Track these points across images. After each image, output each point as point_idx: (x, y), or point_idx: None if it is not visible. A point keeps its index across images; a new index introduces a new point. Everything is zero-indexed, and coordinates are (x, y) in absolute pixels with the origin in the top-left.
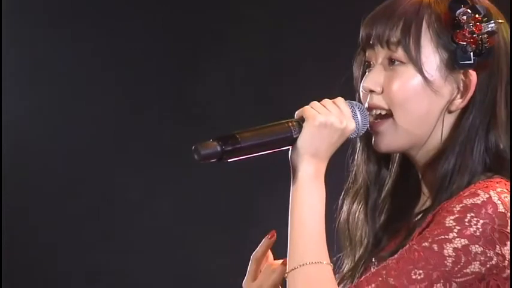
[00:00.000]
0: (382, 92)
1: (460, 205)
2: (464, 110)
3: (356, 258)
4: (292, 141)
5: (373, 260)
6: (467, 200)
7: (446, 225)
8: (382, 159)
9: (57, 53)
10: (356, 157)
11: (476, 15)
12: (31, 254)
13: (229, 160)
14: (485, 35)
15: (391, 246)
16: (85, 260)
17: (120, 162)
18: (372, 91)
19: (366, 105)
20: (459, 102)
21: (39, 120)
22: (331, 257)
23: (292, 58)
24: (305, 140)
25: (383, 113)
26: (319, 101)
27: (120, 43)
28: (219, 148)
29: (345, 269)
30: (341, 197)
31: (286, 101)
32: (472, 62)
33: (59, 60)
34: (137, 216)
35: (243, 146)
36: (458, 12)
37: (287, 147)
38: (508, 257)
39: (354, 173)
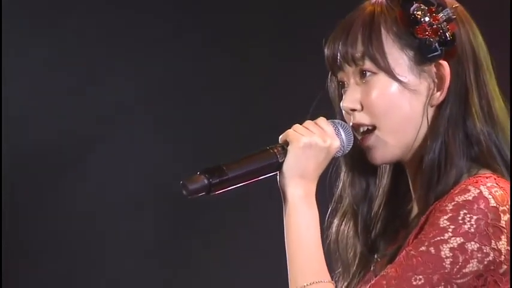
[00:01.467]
0: (362, 108)
1: (452, 203)
2: (442, 101)
3: (351, 275)
4: (279, 166)
5: (372, 268)
6: (459, 197)
7: (441, 225)
8: (369, 174)
9: (57, 53)
10: (341, 178)
11: (430, 7)
12: (31, 255)
13: (216, 193)
14: (445, 23)
15: (388, 251)
16: (85, 261)
17: (121, 162)
18: (352, 110)
19: (351, 123)
20: (439, 95)
21: (40, 121)
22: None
23: None
24: (291, 163)
25: (370, 128)
26: (301, 124)
27: (124, 42)
28: (206, 181)
29: None
30: (327, 218)
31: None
32: (439, 52)
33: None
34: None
35: (230, 177)
36: (412, 9)
37: (274, 173)
38: (504, 251)
39: (339, 193)
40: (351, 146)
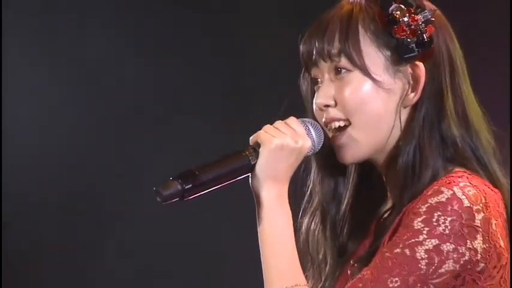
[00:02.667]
0: (336, 104)
1: (426, 205)
2: (416, 103)
3: (323, 277)
4: (251, 168)
5: (349, 272)
6: (432, 199)
7: (415, 227)
8: (338, 174)
9: (57, 53)
10: (310, 177)
11: (409, 8)
12: (31, 256)
13: (190, 197)
14: (422, 25)
15: (360, 251)
16: (85, 261)
17: (121, 162)
18: (326, 106)
19: (323, 120)
20: (412, 96)
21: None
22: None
23: None
24: (263, 164)
25: (342, 124)
26: (271, 124)
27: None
28: (179, 187)
29: None
30: (299, 218)
31: None
32: (416, 53)
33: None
34: (136, 215)
35: (203, 181)
36: (391, 9)
37: (247, 175)
38: (480, 250)
39: (309, 192)
40: (321, 145)
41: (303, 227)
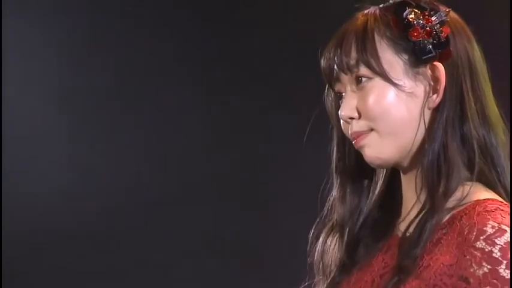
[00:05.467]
0: (360, 115)
1: (497, 247)
2: (438, 104)
3: (328, 282)
4: None
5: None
6: (499, 239)
7: (506, 277)
8: (362, 189)
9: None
10: (332, 193)
11: (424, 11)
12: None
13: None
14: (438, 25)
15: (378, 262)
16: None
17: (122, 161)
18: (351, 118)
19: (349, 132)
20: (435, 97)
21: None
22: None
23: None
24: None
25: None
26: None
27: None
28: None
29: None
30: (312, 230)
31: None
32: (434, 54)
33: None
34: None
35: None
36: (405, 13)
37: None
38: None
39: (329, 208)
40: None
41: (321, 240)
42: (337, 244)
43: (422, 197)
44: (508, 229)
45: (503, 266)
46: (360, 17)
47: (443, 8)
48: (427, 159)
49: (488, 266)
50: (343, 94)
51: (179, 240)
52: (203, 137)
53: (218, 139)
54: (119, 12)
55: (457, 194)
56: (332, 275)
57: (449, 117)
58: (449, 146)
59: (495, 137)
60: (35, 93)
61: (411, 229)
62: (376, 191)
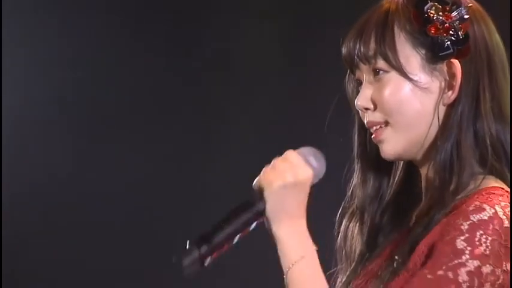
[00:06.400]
0: (375, 107)
1: (468, 222)
2: (453, 101)
3: (348, 271)
4: (262, 213)
5: (366, 264)
6: (474, 215)
7: (458, 247)
8: (383, 175)
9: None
10: (353, 178)
11: (445, 6)
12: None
13: (209, 259)
14: (457, 22)
15: (386, 253)
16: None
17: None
18: (366, 109)
19: (365, 121)
20: (450, 94)
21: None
22: None
23: None
24: (272, 208)
25: (383, 126)
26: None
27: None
28: (196, 254)
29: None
30: (338, 216)
31: None
32: (451, 50)
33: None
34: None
35: (218, 241)
36: (426, 8)
37: (260, 220)
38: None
39: (350, 192)
40: (324, 171)
41: (342, 226)
42: (358, 230)
43: (434, 192)
44: (489, 208)
45: (462, 237)
46: (383, 5)
47: (465, 2)
48: (440, 157)
49: (451, 235)
50: (362, 82)
51: (179, 240)
52: (203, 137)
53: (218, 139)
54: (119, 12)
55: (468, 188)
56: (353, 265)
57: (464, 114)
58: (463, 143)
59: (510, 134)
60: (35, 93)
61: (420, 222)
62: (396, 177)
